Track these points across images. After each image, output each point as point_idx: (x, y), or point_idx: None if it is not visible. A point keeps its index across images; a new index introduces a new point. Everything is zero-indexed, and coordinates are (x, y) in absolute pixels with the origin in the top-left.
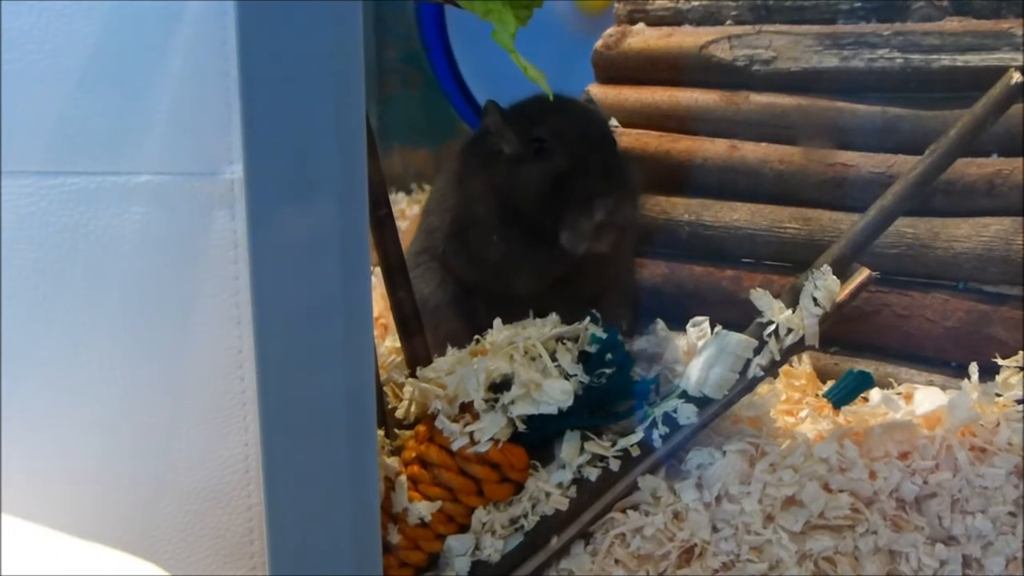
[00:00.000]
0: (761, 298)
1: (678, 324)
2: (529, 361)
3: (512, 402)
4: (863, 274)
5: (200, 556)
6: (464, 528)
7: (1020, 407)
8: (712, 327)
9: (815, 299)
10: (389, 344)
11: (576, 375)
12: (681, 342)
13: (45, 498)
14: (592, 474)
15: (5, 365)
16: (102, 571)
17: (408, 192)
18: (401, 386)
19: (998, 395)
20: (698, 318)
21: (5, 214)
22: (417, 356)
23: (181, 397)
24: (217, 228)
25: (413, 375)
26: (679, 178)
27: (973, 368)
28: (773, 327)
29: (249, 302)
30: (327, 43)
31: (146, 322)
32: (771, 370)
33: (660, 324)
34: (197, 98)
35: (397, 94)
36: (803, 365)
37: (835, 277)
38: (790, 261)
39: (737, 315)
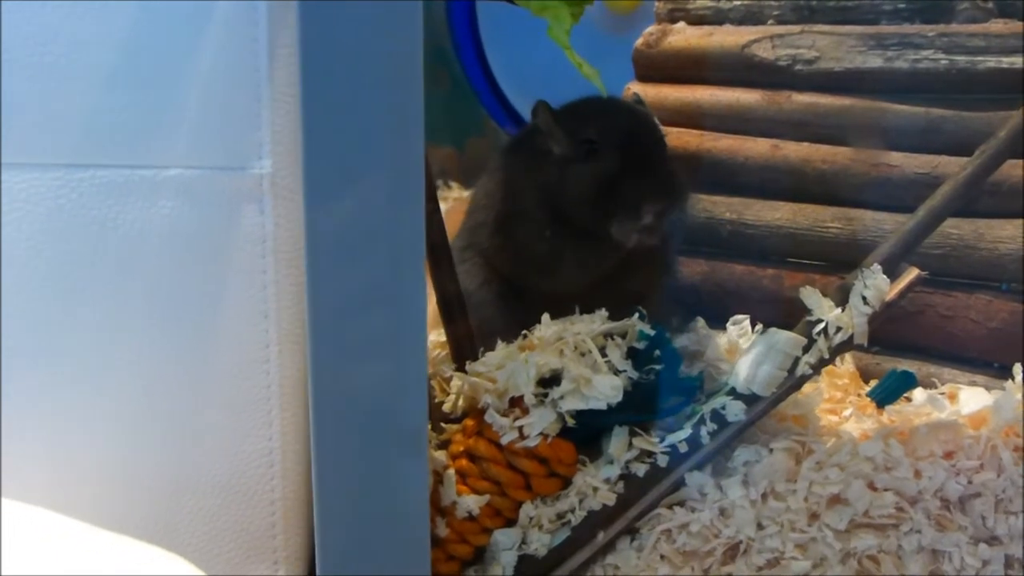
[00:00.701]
0: (811, 296)
1: (718, 323)
2: (579, 356)
3: (562, 397)
4: (912, 273)
5: (223, 550)
6: (511, 522)
7: None
8: (752, 326)
9: (865, 298)
10: (434, 338)
11: (625, 371)
12: (722, 340)
13: (70, 489)
14: (640, 470)
15: (33, 356)
16: (126, 563)
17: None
18: (448, 380)
19: None
20: (738, 316)
21: (35, 206)
22: (463, 348)
23: (207, 391)
24: (246, 222)
25: (459, 368)
26: (720, 177)
27: (1017, 369)
28: (822, 325)
29: (276, 296)
30: (388, 35)
31: (174, 315)
32: (819, 368)
33: (700, 322)
34: (227, 93)
35: (426, 91)
36: (846, 364)
37: (885, 276)
38: (831, 261)
39: (778, 314)
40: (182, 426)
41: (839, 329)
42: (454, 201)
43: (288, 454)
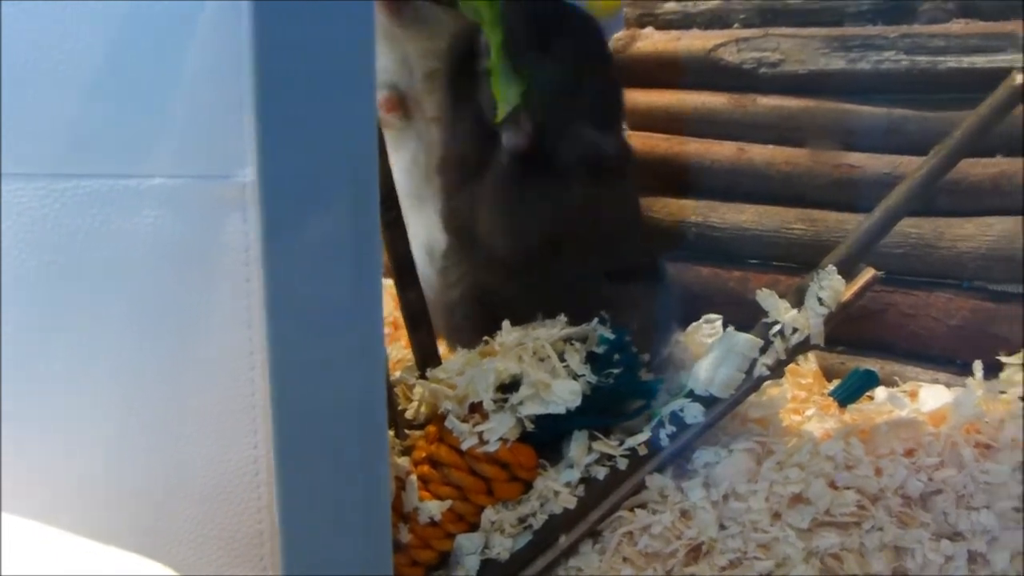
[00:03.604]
0: (767, 298)
1: (686, 324)
2: (538, 362)
3: (521, 402)
4: (868, 274)
5: (210, 558)
6: (474, 527)
7: None
8: (724, 327)
9: (820, 299)
10: (397, 347)
11: (584, 375)
12: (690, 341)
13: (54, 499)
14: (600, 473)
15: (16, 366)
16: (112, 572)
17: None
18: (411, 387)
19: (1002, 392)
20: (711, 316)
21: (20, 216)
22: (426, 356)
23: (191, 399)
24: (229, 231)
25: (423, 376)
26: (687, 180)
27: (977, 366)
28: (779, 327)
29: (260, 305)
30: (339, 47)
31: (157, 324)
32: (777, 369)
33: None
34: (211, 102)
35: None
36: (809, 364)
37: (840, 277)
38: (797, 262)
39: (745, 315)
40: (167, 435)
41: (795, 330)
42: None
43: (273, 461)
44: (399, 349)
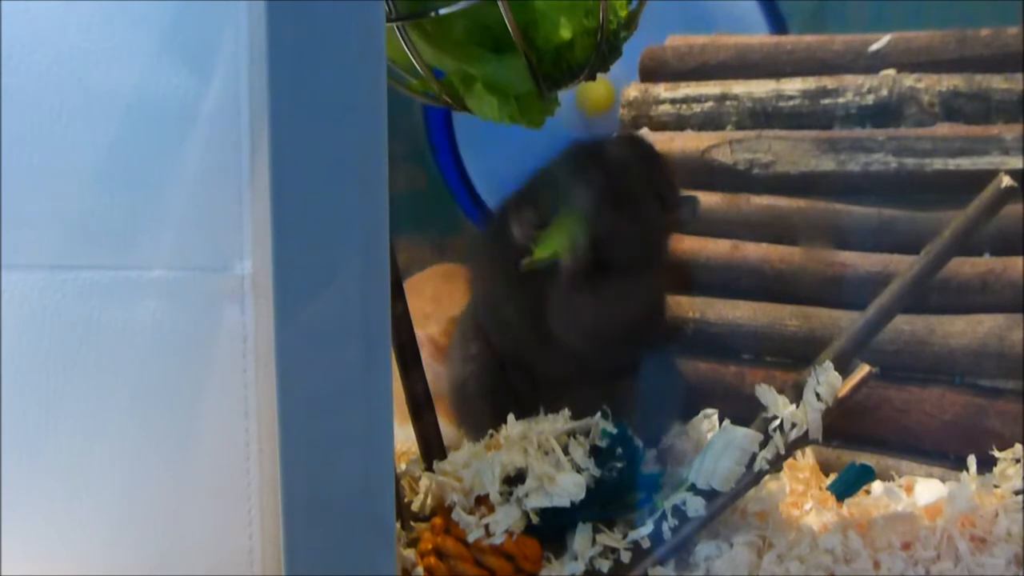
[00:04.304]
0: (766, 393)
1: (685, 418)
2: (543, 455)
3: (526, 495)
4: (864, 370)
5: None
6: None
7: (1018, 498)
8: (720, 421)
9: (818, 394)
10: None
11: (588, 469)
12: (690, 435)
13: None
14: (604, 566)
15: (14, 455)
16: None
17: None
18: (417, 479)
19: (996, 486)
20: (708, 410)
21: (19, 307)
22: (431, 447)
23: (188, 489)
24: (227, 322)
25: (428, 468)
26: (683, 277)
27: (971, 460)
28: (778, 421)
29: (257, 395)
30: (353, 138)
31: (155, 414)
32: (777, 463)
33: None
34: (210, 195)
35: (402, 191)
36: (807, 458)
37: (837, 373)
38: (791, 357)
39: (742, 410)
40: (163, 524)
41: (794, 425)
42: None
43: (268, 552)
44: (401, 441)
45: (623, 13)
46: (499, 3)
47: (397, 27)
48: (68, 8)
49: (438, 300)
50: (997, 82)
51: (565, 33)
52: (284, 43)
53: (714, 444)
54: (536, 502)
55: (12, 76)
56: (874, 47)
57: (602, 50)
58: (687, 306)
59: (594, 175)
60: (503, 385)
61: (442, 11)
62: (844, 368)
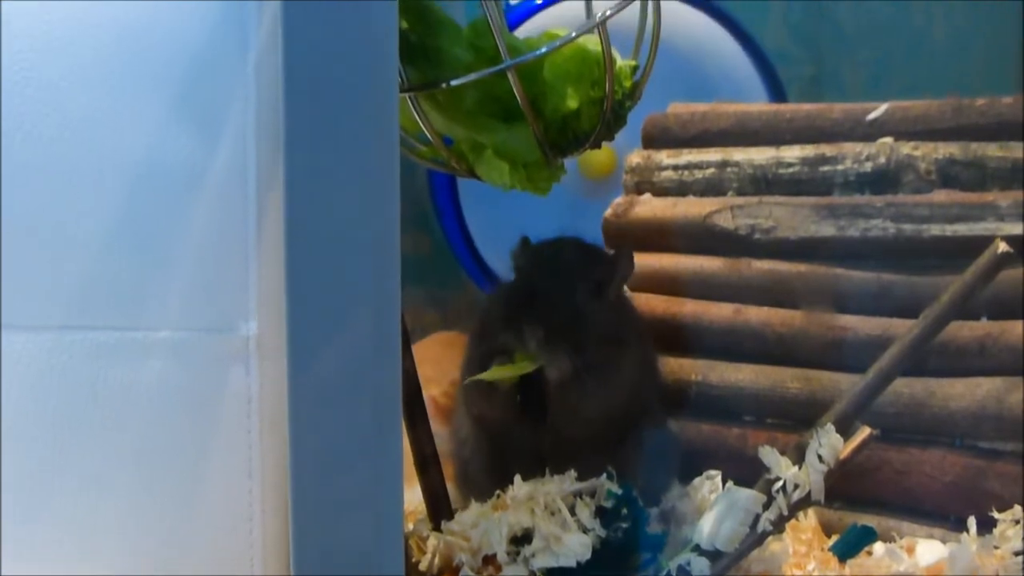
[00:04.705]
0: (769, 455)
1: (687, 480)
2: (549, 515)
3: (533, 555)
4: (865, 432)
5: None
6: None
7: (1018, 559)
8: (723, 482)
9: (820, 456)
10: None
11: (594, 529)
12: (693, 496)
13: None
14: None
15: (19, 513)
16: None
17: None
18: (425, 539)
19: (996, 547)
20: (711, 472)
21: (27, 367)
22: (439, 506)
23: (192, 548)
24: (232, 382)
25: (436, 527)
26: (686, 340)
27: (971, 521)
28: (781, 483)
29: (261, 455)
30: (366, 204)
31: (159, 473)
32: (779, 524)
33: (674, 480)
34: (217, 257)
35: (407, 254)
36: (809, 519)
37: (838, 435)
38: (793, 419)
39: (744, 471)
40: None
41: (797, 486)
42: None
43: None
44: (408, 499)
45: (628, 84)
46: (508, 75)
47: (409, 97)
48: (79, 75)
49: (439, 364)
50: (992, 150)
51: (572, 103)
52: (300, 110)
53: (718, 505)
54: (543, 562)
55: (24, 141)
56: (872, 115)
57: (607, 120)
58: (690, 369)
59: (532, 308)
60: (506, 448)
61: (454, 82)
62: (845, 430)
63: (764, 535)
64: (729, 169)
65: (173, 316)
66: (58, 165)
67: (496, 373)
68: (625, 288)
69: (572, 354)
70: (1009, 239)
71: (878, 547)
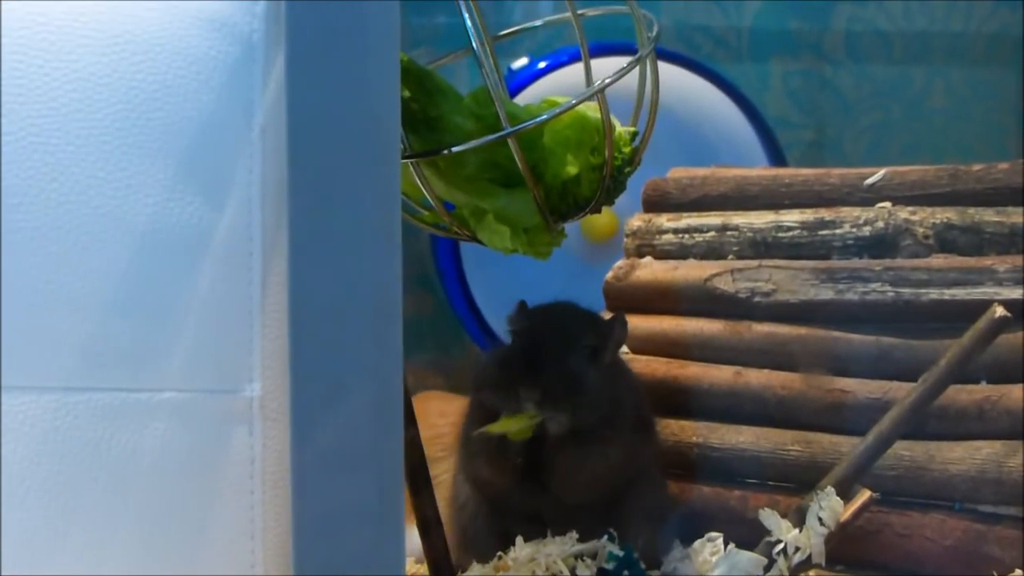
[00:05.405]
0: (769, 518)
1: (688, 542)
2: None
3: None
4: (865, 495)
5: None
6: None
7: None
8: (724, 545)
9: (820, 519)
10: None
11: None
12: (693, 559)
13: None
14: None
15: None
16: None
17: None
18: None
19: None
20: (712, 534)
21: (32, 428)
22: (440, 568)
23: None
24: (235, 443)
25: None
26: (687, 402)
27: None
28: (781, 546)
29: (263, 516)
30: (369, 270)
31: (161, 534)
32: None
33: (675, 542)
34: (221, 319)
35: (409, 315)
36: None
37: (839, 498)
38: (794, 481)
39: (745, 534)
40: None
41: (798, 549)
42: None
43: None
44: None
45: (627, 150)
46: (509, 142)
47: (411, 163)
48: (85, 139)
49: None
50: (989, 215)
51: (572, 170)
52: (304, 175)
53: (719, 567)
54: None
55: (31, 205)
56: (870, 180)
57: (607, 185)
58: (691, 431)
59: (530, 374)
60: (506, 511)
61: (455, 149)
62: (846, 493)
63: None
64: (729, 233)
65: (177, 377)
66: (64, 228)
67: (503, 426)
68: (625, 350)
69: (570, 412)
70: (1007, 303)
71: None
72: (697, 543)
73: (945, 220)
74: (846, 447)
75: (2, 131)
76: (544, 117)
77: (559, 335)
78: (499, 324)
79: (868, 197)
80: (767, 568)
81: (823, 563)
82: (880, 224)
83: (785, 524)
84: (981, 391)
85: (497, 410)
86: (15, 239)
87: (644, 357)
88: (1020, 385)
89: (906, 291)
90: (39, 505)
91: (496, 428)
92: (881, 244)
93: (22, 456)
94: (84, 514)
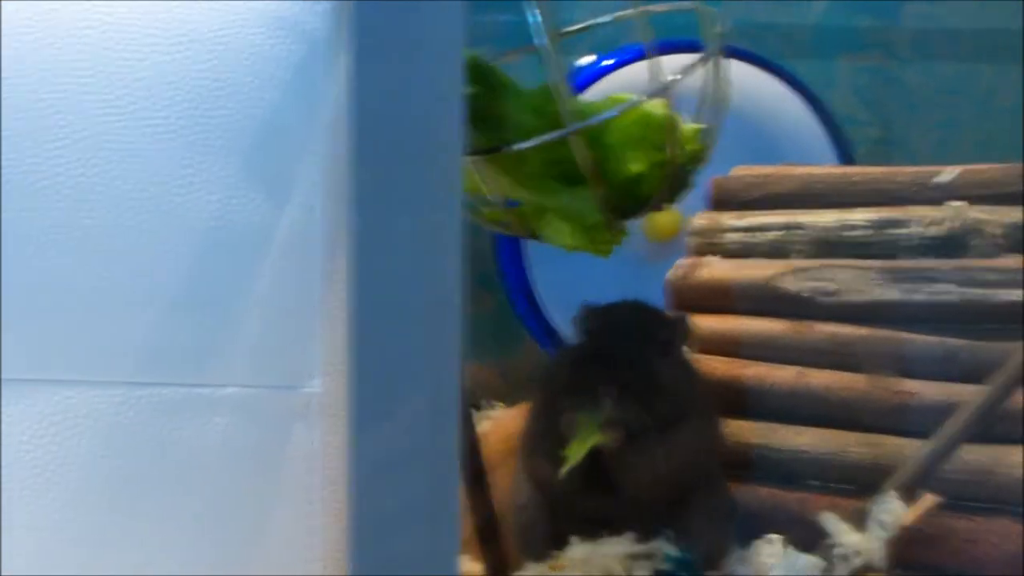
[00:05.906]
0: (830, 521)
1: (746, 544)
2: None
3: None
4: (928, 500)
5: None
6: None
7: None
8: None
9: (882, 523)
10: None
11: None
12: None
13: None
14: None
15: (85, 567)
16: None
17: (478, 408)
18: None
19: None
20: (771, 536)
21: (96, 422)
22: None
23: None
24: (295, 440)
25: None
26: (748, 403)
27: None
28: (841, 549)
29: (323, 513)
30: (431, 269)
31: (222, 529)
32: None
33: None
34: (283, 316)
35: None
36: None
37: (901, 501)
38: (855, 484)
39: (804, 537)
40: None
41: (858, 553)
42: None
43: None
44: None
45: (691, 147)
46: (572, 139)
47: (474, 160)
48: (152, 137)
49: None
50: None
51: (634, 167)
52: (367, 172)
53: (777, 570)
54: None
55: (98, 202)
56: (939, 179)
57: (671, 183)
58: (751, 432)
59: (600, 371)
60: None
61: (518, 147)
62: (909, 497)
63: None
64: (794, 232)
65: (239, 373)
66: (131, 225)
67: (577, 449)
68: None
69: (648, 409)
70: None
71: None
72: (755, 545)
73: (1016, 220)
74: (910, 450)
75: (71, 130)
76: (608, 114)
77: (632, 334)
78: (561, 323)
79: (937, 196)
80: (826, 572)
81: (884, 568)
82: (949, 223)
83: (845, 527)
84: None
85: (569, 409)
86: (82, 236)
87: (705, 356)
88: None
89: (975, 292)
90: (103, 498)
91: (574, 451)
92: (950, 244)
93: (86, 451)
94: (147, 508)
